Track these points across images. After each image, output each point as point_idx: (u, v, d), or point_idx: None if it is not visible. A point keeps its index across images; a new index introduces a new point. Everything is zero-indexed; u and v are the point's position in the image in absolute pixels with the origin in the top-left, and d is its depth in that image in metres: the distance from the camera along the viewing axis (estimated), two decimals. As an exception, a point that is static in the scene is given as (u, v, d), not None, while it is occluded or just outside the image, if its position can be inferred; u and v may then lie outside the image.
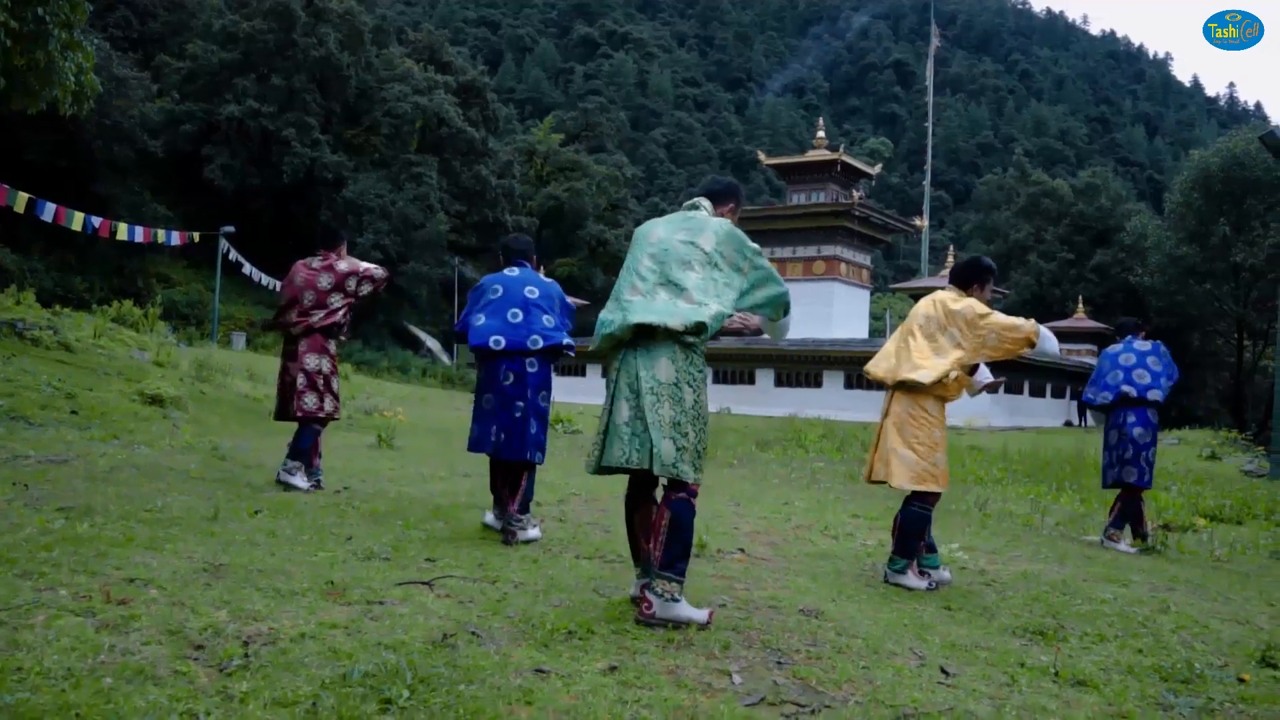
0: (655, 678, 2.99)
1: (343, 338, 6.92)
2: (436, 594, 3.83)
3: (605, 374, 3.87)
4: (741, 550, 5.57)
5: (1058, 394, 36.09)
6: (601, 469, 3.70)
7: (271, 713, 2.44)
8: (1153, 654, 3.89)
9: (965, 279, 5.18)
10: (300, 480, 6.50)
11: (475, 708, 2.58)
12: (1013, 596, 4.85)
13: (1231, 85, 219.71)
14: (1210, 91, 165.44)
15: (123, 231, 23.45)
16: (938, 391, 4.93)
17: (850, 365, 29.99)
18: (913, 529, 4.92)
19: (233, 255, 29.67)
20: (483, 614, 3.57)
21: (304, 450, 6.58)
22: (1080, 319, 39.29)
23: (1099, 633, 4.19)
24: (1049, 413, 35.79)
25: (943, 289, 5.24)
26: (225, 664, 2.76)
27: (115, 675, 2.57)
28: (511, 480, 5.28)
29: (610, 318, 3.71)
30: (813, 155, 36.73)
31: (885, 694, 3.07)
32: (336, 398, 6.79)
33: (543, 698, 2.71)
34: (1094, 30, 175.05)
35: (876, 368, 5.14)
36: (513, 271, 5.49)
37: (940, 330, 5.00)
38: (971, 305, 4.97)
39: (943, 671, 3.40)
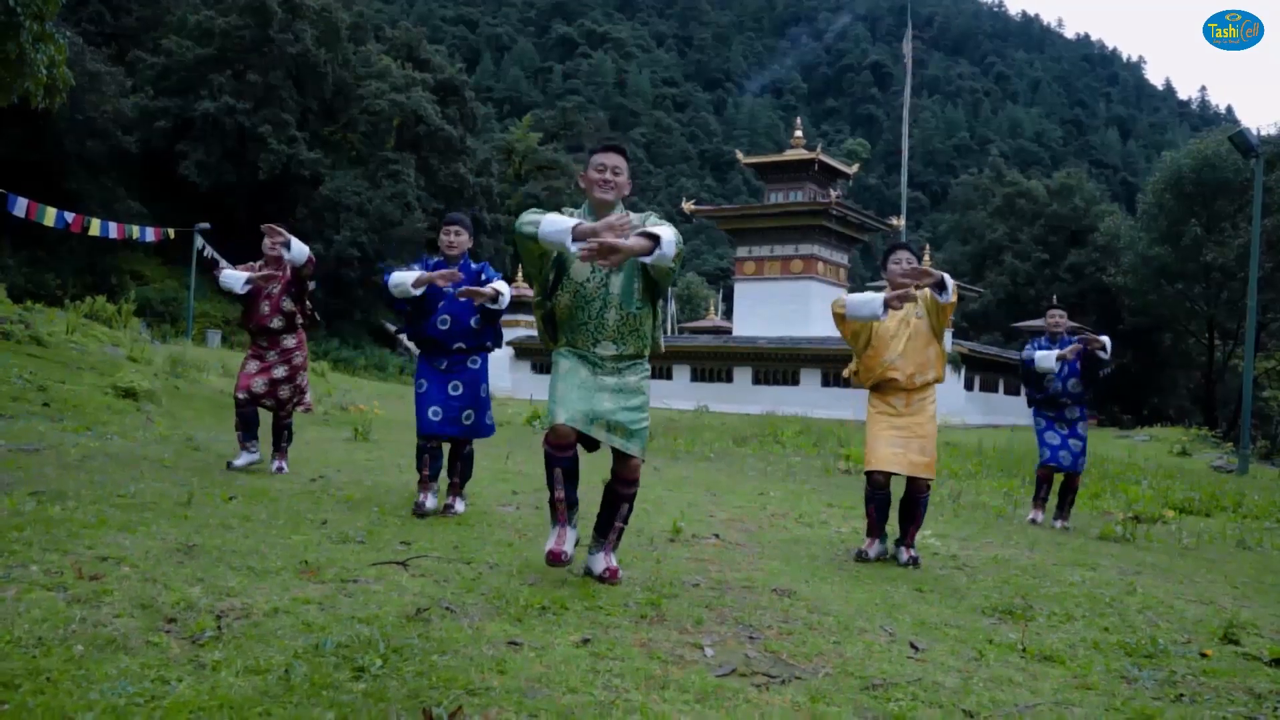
0: (628, 650, 3.02)
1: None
2: (411, 573, 3.84)
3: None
4: (716, 536, 5.61)
5: (1031, 404, 36.41)
6: None
7: (244, 680, 2.45)
8: (1118, 631, 3.96)
9: None
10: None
11: (448, 676, 2.60)
12: (983, 579, 4.91)
13: (1203, 89, 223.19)
14: (1183, 95, 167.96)
15: (95, 227, 23.28)
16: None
17: (827, 363, 30.12)
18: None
19: (208, 252, 29.47)
20: (457, 591, 3.59)
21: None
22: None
23: (1067, 612, 4.25)
24: (1023, 411, 36.11)
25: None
26: (198, 636, 2.76)
27: (86, 644, 2.57)
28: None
29: None
30: (790, 155, 36.83)
31: (855, 666, 3.11)
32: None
33: (515, 667, 2.74)
34: (1069, 33, 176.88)
35: None
36: None
37: None
38: None
39: (912, 647, 3.45)
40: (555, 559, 3.88)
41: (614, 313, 3.91)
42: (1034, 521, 7.69)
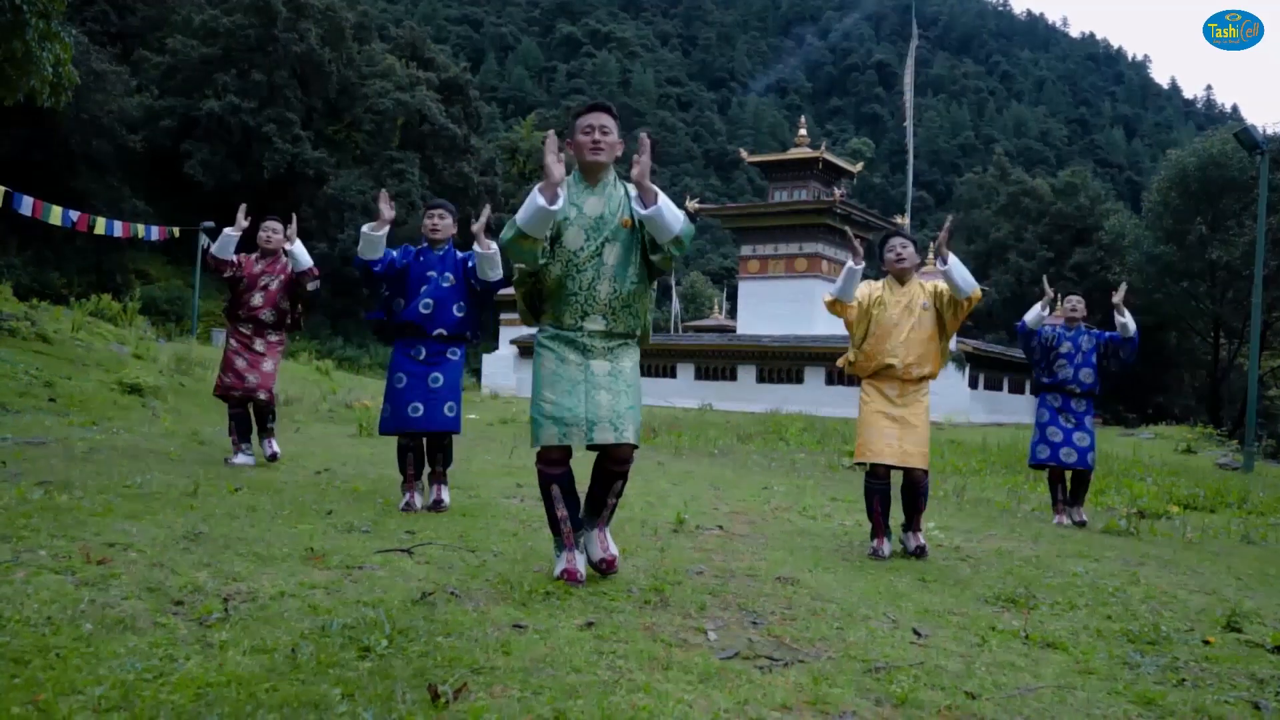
0: (631, 633, 3.04)
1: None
2: (416, 561, 3.86)
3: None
4: (720, 527, 5.63)
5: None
6: None
7: (251, 658, 2.47)
8: (1121, 620, 3.97)
9: None
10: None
11: (453, 656, 2.62)
12: (986, 570, 4.92)
13: (1209, 88, 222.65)
14: (1188, 94, 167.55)
15: (101, 226, 23.31)
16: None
17: (832, 361, 30.09)
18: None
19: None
20: (462, 577, 3.61)
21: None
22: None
23: (1070, 601, 4.26)
24: (1027, 409, 36.08)
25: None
26: (205, 618, 2.79)
27: (95, 623, 2.60)
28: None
29: None
30: (795, 153, 36.85)
31: (858, 650, 3.13)
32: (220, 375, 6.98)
33: (520, 649, 2.76)
34: (1074, 32, 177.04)
35: None
36: None
37: None
38: None
39: (915, 633, 3.46)
40: (571, 577, 3.67)
41: (606, 285, 3.72)
42: (1061, 524, 7.53)
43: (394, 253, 5.52)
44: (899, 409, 5.12)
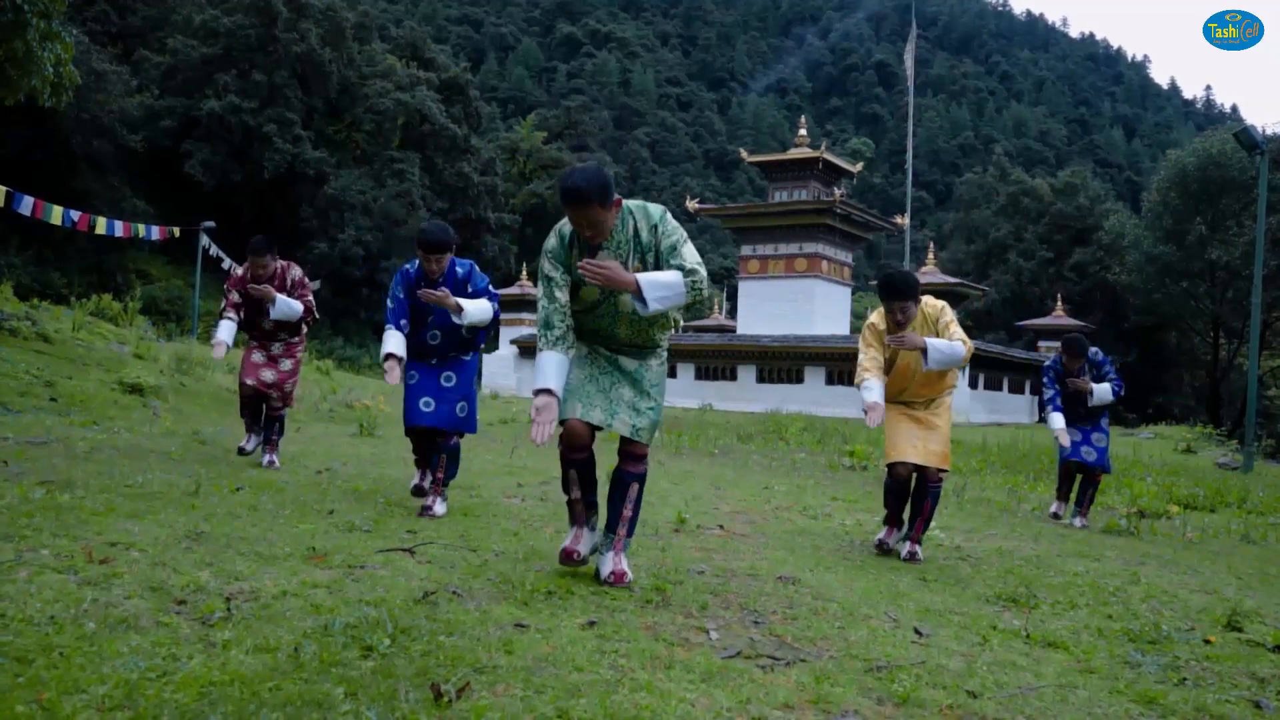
0: (633, 632, 3.05)
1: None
2: (418, 560, 3.87)
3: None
4: (721, 526, 5.63)
5: (1036, 391, 36.35)
6: None
7: (254, 657, 2.47)
8: (1122, 619, 3.98)
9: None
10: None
11: (455, 655, 2.63)
12: (987, 569, 4.93)
13: (1209, 88, 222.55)
14: (1188, 94, 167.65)
15: (102, 226, 23.34)
16: None
17: (831, 361, 30.11)
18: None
19: (214, 251, 29.48)
20: (463, 576, 3.61)
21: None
22: (1059, 316, 39.47)
23: (1070, 601, 4.27)
24: (1027, 409, 36.09)
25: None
26: (208, 617, 2.79)
27: (98, 623, 2.60)
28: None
29: None
30: (794, 153, 36.80)
31: (859, 649, 3.13)
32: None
33: (522, 648, 2.76)
34: (1073, 33, 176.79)
35: None
36: None
37: None
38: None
39: (916, 632, 3.47)
40: (568, 557, 3.78)
41: (625, 327, 3.81)
42: (1056, 515, 7.63)
43: (401, 295, 5.34)
44: (921, 412, 5.23)
